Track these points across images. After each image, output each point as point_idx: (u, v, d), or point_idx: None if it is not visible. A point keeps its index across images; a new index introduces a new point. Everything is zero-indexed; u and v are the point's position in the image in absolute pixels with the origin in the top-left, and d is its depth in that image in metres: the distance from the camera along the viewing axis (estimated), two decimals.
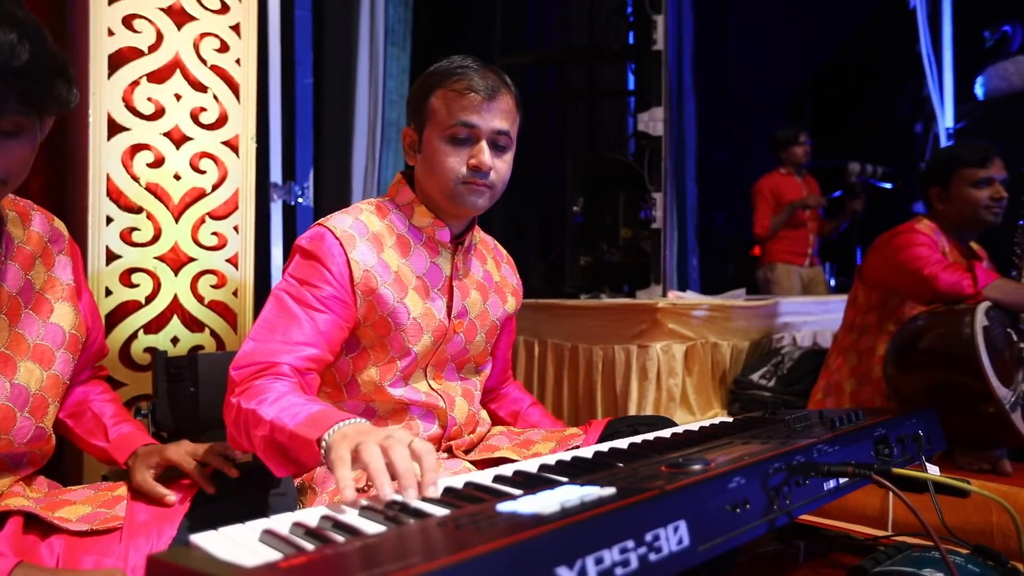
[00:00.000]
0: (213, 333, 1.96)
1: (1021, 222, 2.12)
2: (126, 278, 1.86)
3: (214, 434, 1.70)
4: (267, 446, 0.99)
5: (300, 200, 3.13)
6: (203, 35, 1.96)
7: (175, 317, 1.91)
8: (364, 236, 1.22)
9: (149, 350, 1.87)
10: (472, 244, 1.35)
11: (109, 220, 1.83)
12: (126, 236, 1.86)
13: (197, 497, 1.09)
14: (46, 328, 1.10)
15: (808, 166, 4.42)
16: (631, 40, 3.97)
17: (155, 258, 1.89)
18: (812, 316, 3.06)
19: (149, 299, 1.88)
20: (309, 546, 0.65)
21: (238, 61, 2.02)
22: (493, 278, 1.39)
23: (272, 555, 0.63)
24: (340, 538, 0.67)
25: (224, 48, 2.00)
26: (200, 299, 1.95)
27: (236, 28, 2.02)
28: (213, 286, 1.97)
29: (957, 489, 0.99)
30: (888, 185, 4.79)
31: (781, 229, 4.28)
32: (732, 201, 6.60)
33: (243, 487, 1.13)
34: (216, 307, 1.97)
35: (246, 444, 1.06)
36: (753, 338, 2.75)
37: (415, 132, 1.26)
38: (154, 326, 1.89)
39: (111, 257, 1.84)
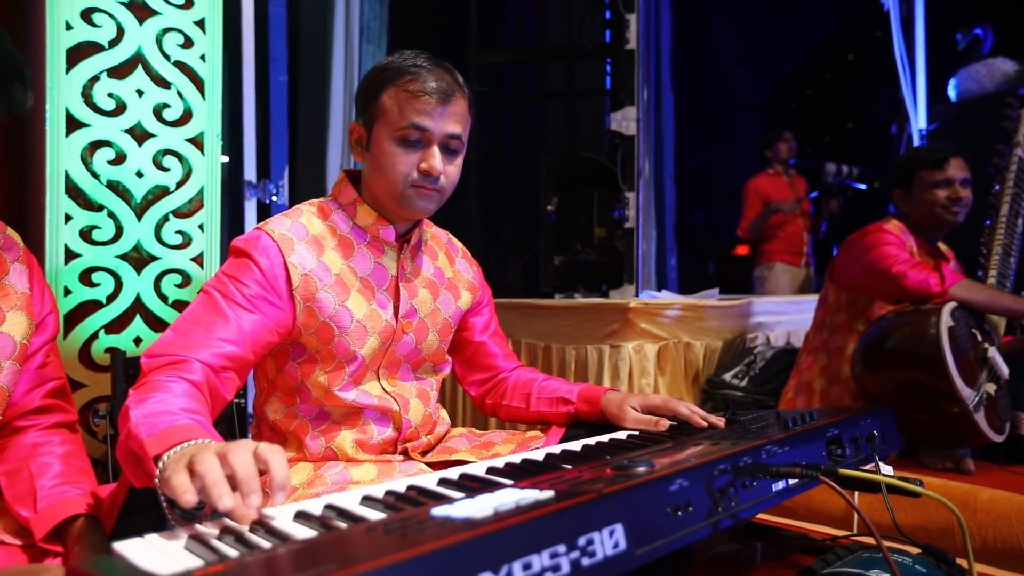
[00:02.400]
0: None
1: (988, 222, 2.14)
2: (86, 277, 1.82)
3: None
4: (122, 452, 0.91)
5: (275, 198, 3.10)
6: (166, 30, 1.93)
7: (138, 317, 1.88)
8: (303, 239, 1.19)
9: (110, 350, 1.84)
10: (421, 241, 1.33)
11: (68, 218, 1.80)
12: (85, 235, 1.82)
13: (125, 507, 1.05)
14: None
15: (791, 164, 4.47)
16: (608, 39, 3.98)
17: (116, 257, 1.86)
18: (786, 316, 3.08)
19: (110, 299, 1.85)
20: (234, 553, 0.63)
21: (203, 57, 1.99)
22: (445, 275, 1.36)
23: (194, 562, 0.61)
24: (266, 544, 0.65)
25: (188, 44, 1.97)
26: (163, 299, 1.92)
27: (200, 24, 1.99)
28: (177, 285, 1.94)
29: (908, 490, 0.99)
30: (863, 186, 4.83)
31: (776, 229, 4.33)
32: (711, 201, 6.64)
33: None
34: (180, 307, 1.94)
35: None
36: (726, 338, 2.75)
37: (363, 128, 1.23)
38: (116, 326, 1.86)
39: (70, 256, 1.80)
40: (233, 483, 0.72)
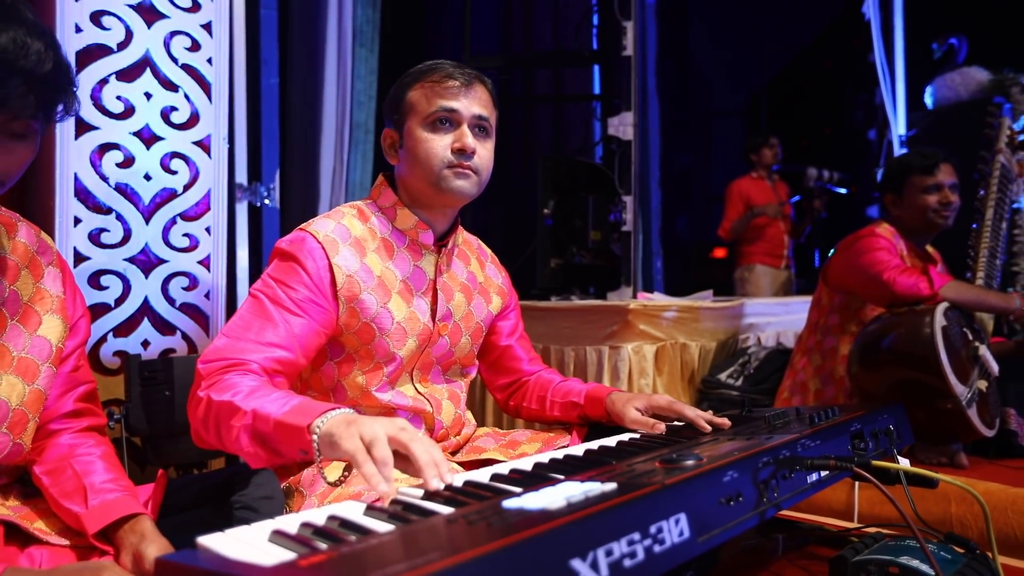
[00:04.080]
0: (185, 336, 1.93)
1: (974, 226, 2.22)
2: (95, 281, 1.81)
3: (189, 438, 1.67)
4: (249, 436, 0.97)
5: (266, 201, 3.09)
6: (174, 33, 1.93)
7: (146, 320, 1.88)
8: (346, 241, 1.21)
9: (119, 354, 1.83)
10: (455, 245, 1.36)
11: (77, 221, 1.79)
12: (94, 237, 1.81)
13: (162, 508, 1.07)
14: (32, 341, 1.05)
15: (774, 170, 4.57)
16: (595, 45, 4.03)
17: (125, 260, 1.85)
18: (776, 317, 3.15)
19: (119, 302, 1.84)
20: (322, 545, 0.65)
21: (210, 60, 2.00)
22: (477, 279, 1.39)
23: (287, 554, 0.63)
24: (352, 537, 0.67)
25: (195, 47, 1.97)
26: (171, 302, 1.92)
27: (207, 27, 2.00)
28: (185, 288, 1.94)
29: (927, 479, 1.04)
30: (843, 190, 4.95)
31: (757, 232, 4.42)
32: (693, 205, 6.74)
33: (197, 503, 1.11)
34: (187, 310, 1.94)
35: (213, 439, 1.04)
36: (720, 338, 2.81)
37: (395, 131, 1.27)
38: (124, 329, 1.85)
39: (79, 259, 1.79)
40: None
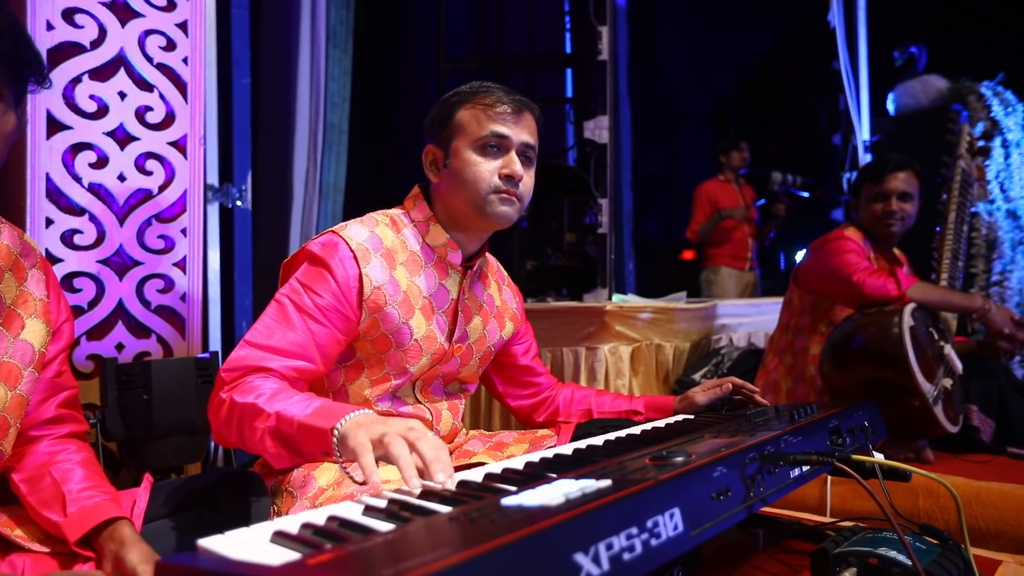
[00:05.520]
0: (160, 339, 1.90)
1: (938, 228, 2.29)
2: (67, 283, 1.78)
3: (168, 442, 1.65)
4: (272, 437, 0.99)
5: (238, 203, 3.05)
6: (148, 32, 1.91)
7: (120, 323, 1.85)
8: (378, 251, 1.20)
9: (92, 357, 1.80)
10: (480, 268, 1.36)
11: (49, 222, 1.76)
12: (67, 239, 1.78)
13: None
14: (15, 345, 1.03)
15: (741, 173, 4.66)
16: (568, 48, 4.07)
17: (98, 262, 1.82)
18: (747, 318, 3.21)
19: (92, 305, 1.81)
20: (327, 544, 0.65)
21: (185, 60, 1.98)
22: (495, 302, 1.40)
23: (291, 554, 0.64)
24: (355, 536, 0.68)
25: (171, 46, 1.95)
26: (146, 304, 1.89)
27: (183, 26, 1.98)
28: (160, 291, 1.91)
29: (900, 473, 1.08)
30: (806, 194, 5.07)
31: (723, 234, 4.49)
32: (662, 207, 6.83)
33: (180, 508, 1.11)
34: (163, 313, 1.92)
35: (235, 439, 1.05)
36: (693, 339, 2.86)
37: (439, 148, 1.26)
38: (98, 332, 1.82)
39: (51, 261, 1.76)
40: (420, 462, 0.84)
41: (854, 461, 0.97)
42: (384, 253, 1.22)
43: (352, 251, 1.17)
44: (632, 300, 2.89)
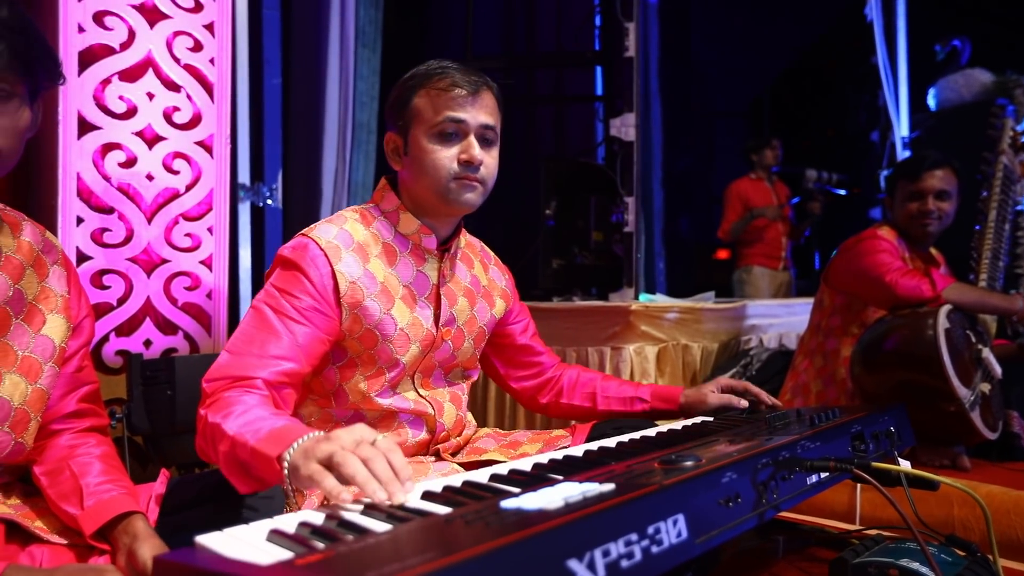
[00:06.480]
0: (187, 336, 1.93)
1: (977, 227, 2.21)
2: (97, 280, 1.82)
3: (190, 437, 1.67)
4: (228, 462, 0.96)
5: (269, 201, 3.09)
6: (176, 33, 1.94)
7: (148, 319, 1.88)
8: (349, 247, 1.20)
9: (121, 353, 1.83)
10: (458, 249, 1.35)
11: (80, 220, 1.80)
12: (97, 237, 1.82)
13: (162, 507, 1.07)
14: (36, 340, 1.05)
15: (774, 171, 4.58)
16: (597, 46, 4.03)
17: (127, 259, 1.86)
18: (778, 318, 3.14)
19: (121, 301, 1.85)
20: (320, 544, 0.65)
21: (212, 60, 2.00)
22: (481, 282, 1.39)
23: (284, 554, 0.63)
24: (349, 536, 0.67)
25: (198, 47, 1.97)
26: (174, 301, 1.92)
27: (210, 27, 2.00)
28: (187, 288, 1.94)
29: (927, 482, 1.04)
30: (842, 192, 4.95)
31: (755, 233, 4.41)
32: (695, 206, 6.74)
33: (198, 502, 1.12)
34: (190, 310, 1.95)
35: (214, 456, 1.02)
36: (722, 340, 2.81)
37: (399, 136, 1.25)
38: (126, 328, 1.85)
39: (81, 258, 1.80)
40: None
41: (875, 468, 0.93)
42: (356, 248, 1.20)
43: (322, 250, 1.16)
44: (659, 300, 2.86)
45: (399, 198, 1.27)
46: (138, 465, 1.83)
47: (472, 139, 1.19)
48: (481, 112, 1.20)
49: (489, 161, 1.23)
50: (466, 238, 1.42)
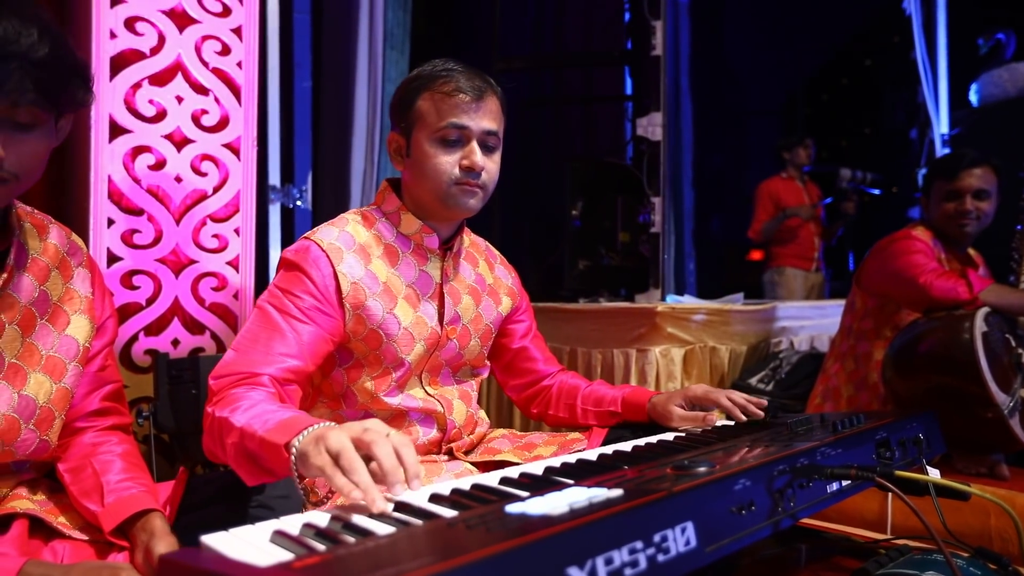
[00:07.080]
0: (213, 336, 1.96)
1: (1019, 227, 2.13)
2: (127, 280, 1.86)
3: None
4: (237, 453, 0.96)
5: (298, 203, 3.13)
6: (205, 37, 1.97)
7: (176, 319, 1.92)
8: (351, 248, 1.21)
9: (150, 352, 1.87)
10: (461, 248, 1.34)
11: (111, 222, 1.83)
12: (127, 238, 1.86)
13: (181, 505, 1.08)
14: (60, 340, 1.07)
15: (805, 171, 4.48)
16: (628, 45, 4.01)
17: (156, 260, 1.89)
18: (809, 320, 3.08)
19: (150, 301, 1.88)
20: (321, 547, 0.65)
21: (239, 64, 2.03)
22: (486, 281, 1.38)
23: (284, 555, 0.63)
24: (351, 539, 0.67)
25: (226, 51, 2.00)
26: (201, 302, 1.95)
27: (238, 31, 2.03)
28: (214, 288, 1.97)
29: (958, 492, 1.00)
30: (876, 191, 4.84)
31: (788, 233, 4.33)
32: (727, 206, 6.65)
33: (217, 500, 1.12)
34: (217, 310, 1.98)
35: (220, 454, 1.03)
36: (751, 342, 2.76)
37: (402, 137, 1.25)
38: (155, 328, 1.89)
39: (112, 259, 1.84)
40: (379, 472, 0.78)
41: (899, 477, 0.90)
42: (357, 249, 1.21)
43: (324, 251, 1.17)
44: (686, 301, 2.82)
45: (400, 199, 1.27)
46: (165, 462, 1.87)
47: (474, 145, 1.19)
48: (484, 118, 1.20)
49: (491, 166, 1.22)
50: (470, 237, 1.42)
